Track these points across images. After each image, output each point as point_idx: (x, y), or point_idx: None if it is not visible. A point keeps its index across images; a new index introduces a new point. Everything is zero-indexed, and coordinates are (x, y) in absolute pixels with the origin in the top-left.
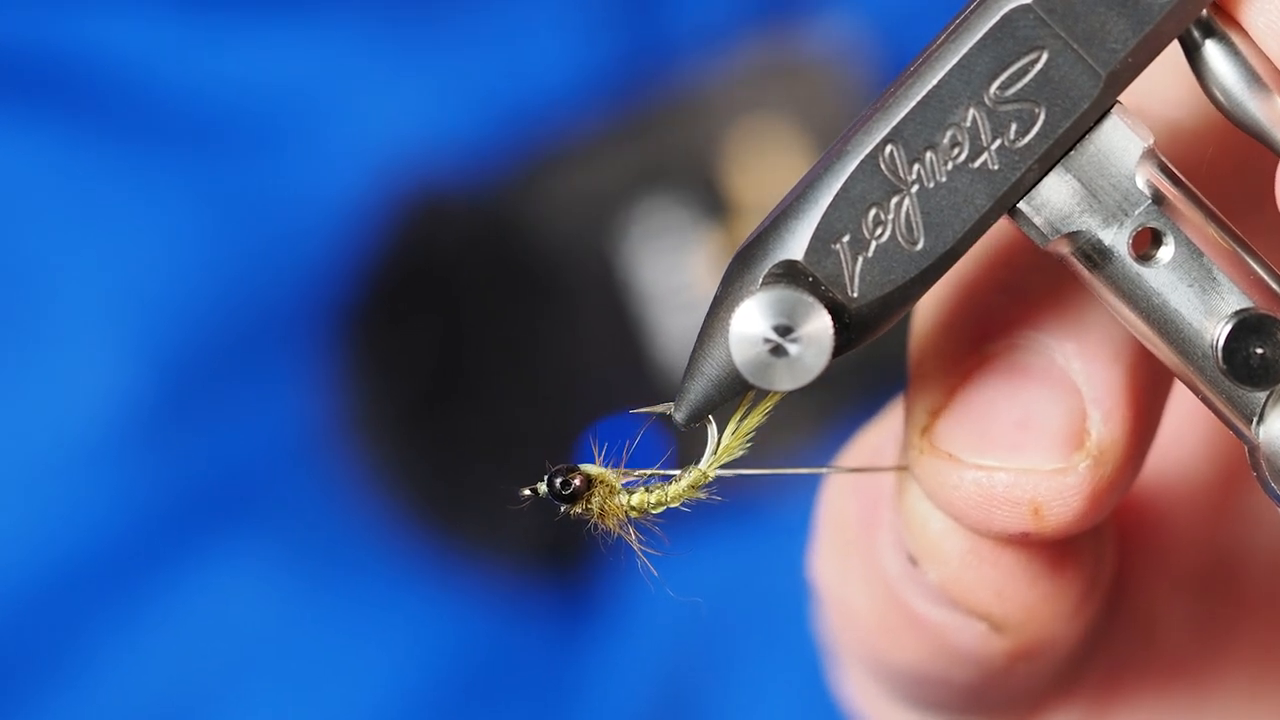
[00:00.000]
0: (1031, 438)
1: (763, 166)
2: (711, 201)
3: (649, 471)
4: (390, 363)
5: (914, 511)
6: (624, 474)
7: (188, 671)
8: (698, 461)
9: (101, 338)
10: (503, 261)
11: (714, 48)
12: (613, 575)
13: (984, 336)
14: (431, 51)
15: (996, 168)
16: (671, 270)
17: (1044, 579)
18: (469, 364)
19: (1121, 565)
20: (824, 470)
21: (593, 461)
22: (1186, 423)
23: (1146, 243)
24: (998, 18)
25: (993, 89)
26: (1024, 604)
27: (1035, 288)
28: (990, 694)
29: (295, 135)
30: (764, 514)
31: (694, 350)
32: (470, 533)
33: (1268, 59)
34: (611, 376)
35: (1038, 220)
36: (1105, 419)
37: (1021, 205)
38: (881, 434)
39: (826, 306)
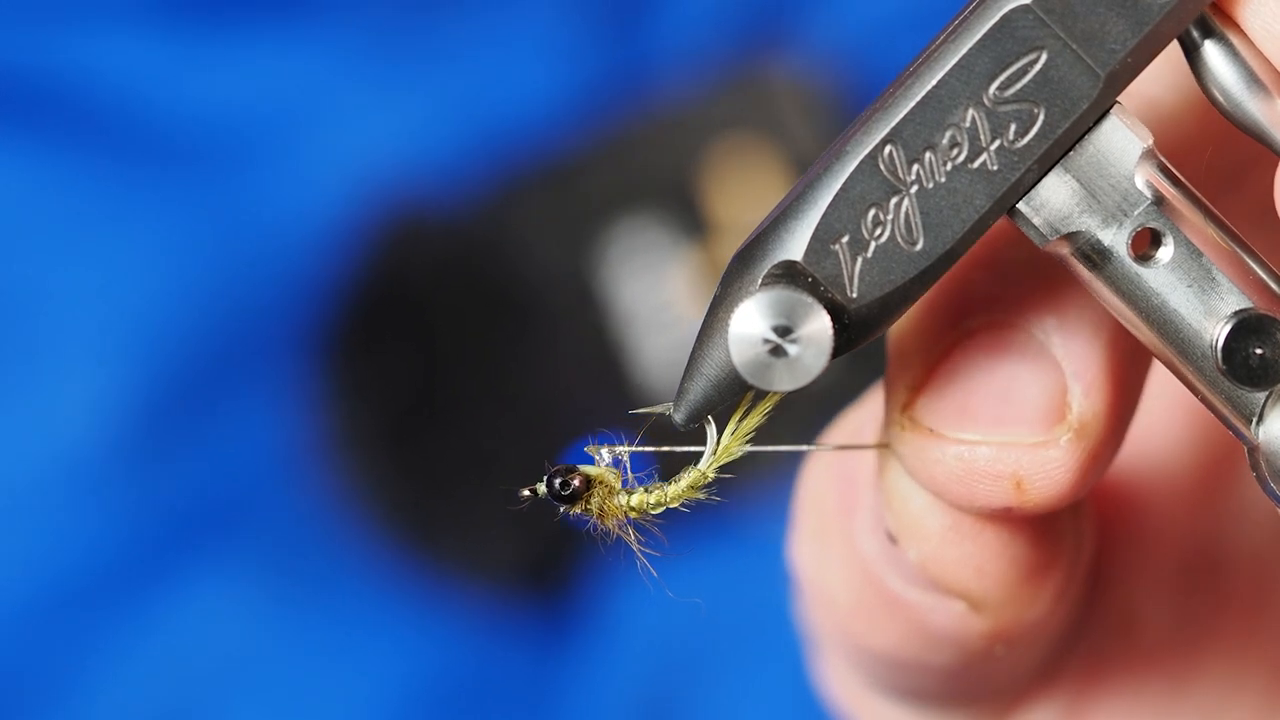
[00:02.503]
0: (1013, 412)
1: (741, 186)
2: (690, 221)
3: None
4: (369, 383)
5: (895, 489)
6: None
7: (172, 692)
8: (697, 462)
9: (85, 359)
10: (480, 281)
11: (691, 68)
12: (592, 592)
13: (963, 313)
14: (411, 72)
15: (996, 168)
16: (650, 290)
17: (1024, 558)
18: (447, 384)
19: (1102, 556)
20: (806, 449)
21: (591, 463)
22: (1168, 415)
23: (1146, 243)
24: (997, 18)
25: (992, 89)
26: (1004, 582)
27: (1014, 265)
28: (969, 680)
29: (275, 154)
30: (745, 526)
31: (693, 350)
32: (450, 553)
33: (1266, 59)
34: (590, 396)
35: (1037, 220)
36: (1086, 393)
37: (1021, 205)
38: (862, 415)
39: (826, 307)
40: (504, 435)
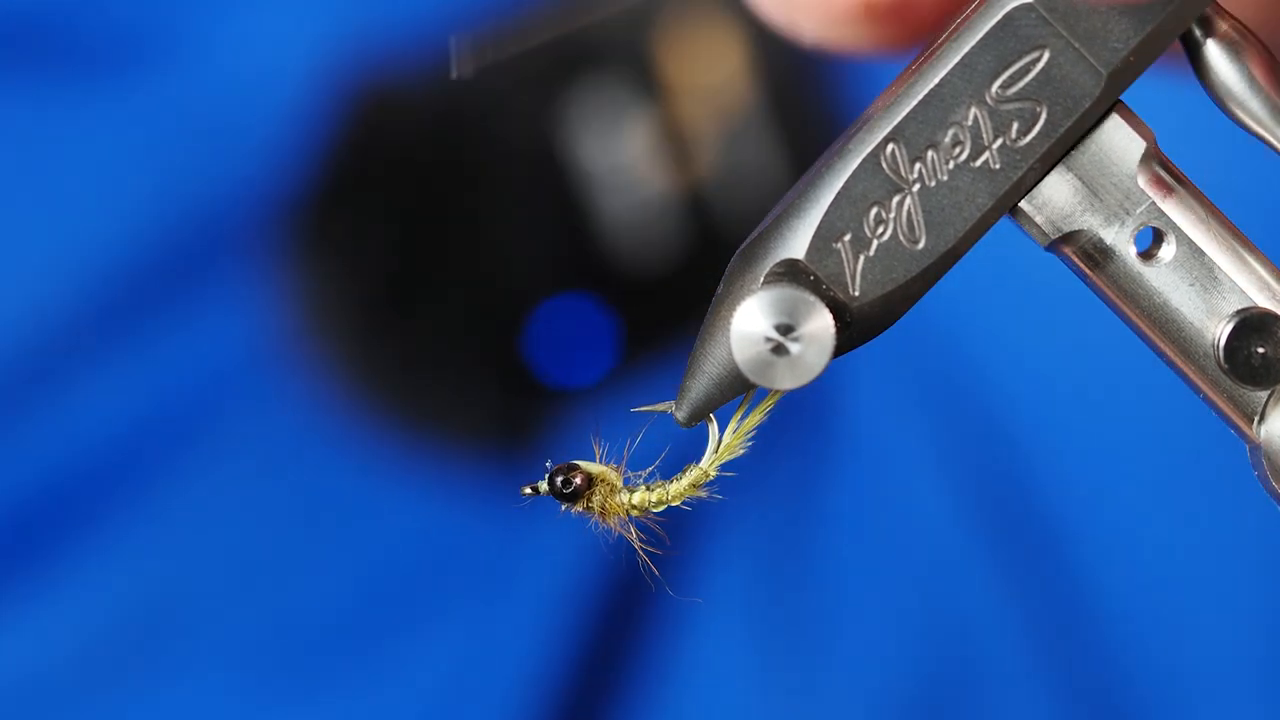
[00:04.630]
0: None
1: (697, 47)
2: (647, 82)
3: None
4: (341, 257)
5: None
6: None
7: (162, 579)
8: (699, 460)
9: (46, 255)
10: (445, 149)
11: None
12: (568, 456)
13: None
14: None
15: (998, 167)
16: (610, 151)
17: None
18: (416, 253)
19: None
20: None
21: (593, 459)
22: None
23: (1148, 242)
24: (999, 16)
25: (994, 88)
26: None
27: None
28: None
29: (234, 34)
30: None
31: (695, 349)
32: (428, 420)
33: (1268, 58)
34: (555, 260)
35: (1039, 219)
36: None
37: (1023, 204)
38: None
39: (828, 305)
40: (475, 299)
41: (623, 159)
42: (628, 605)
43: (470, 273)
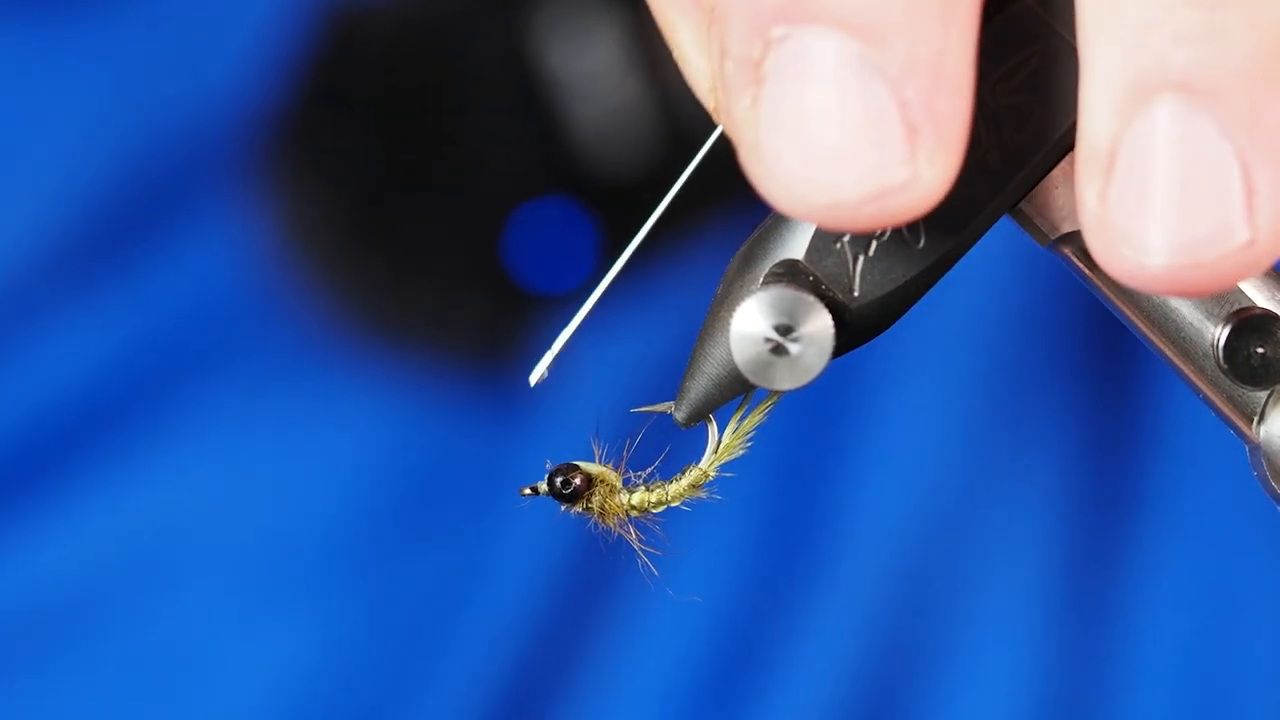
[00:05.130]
0: None
1: None
2: None
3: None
4: (318, 175)
5: None
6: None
7: (152, 506)
8: (698, 460)
9: (25, 188)
10: (418, 61)
11: None
12: (553, 369)
13: None
14: None
15: (997, 166)
16: (582, 57)
17: None
18: (394, 166)
19: None
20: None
21: (593, 459)
22: None
23: None
24: (997, 15)
25: (992, 87)
26: None
27: None
28: None
29: None
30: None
31: (695, 349)
32: (413, 332)
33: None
34: (533, 167)
35: (1039, 219)
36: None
37: (1023, 204)
38: None
39: (827, 306)
40: (453, 211)
41: (596, 64)
42: None
43: (447, 184)
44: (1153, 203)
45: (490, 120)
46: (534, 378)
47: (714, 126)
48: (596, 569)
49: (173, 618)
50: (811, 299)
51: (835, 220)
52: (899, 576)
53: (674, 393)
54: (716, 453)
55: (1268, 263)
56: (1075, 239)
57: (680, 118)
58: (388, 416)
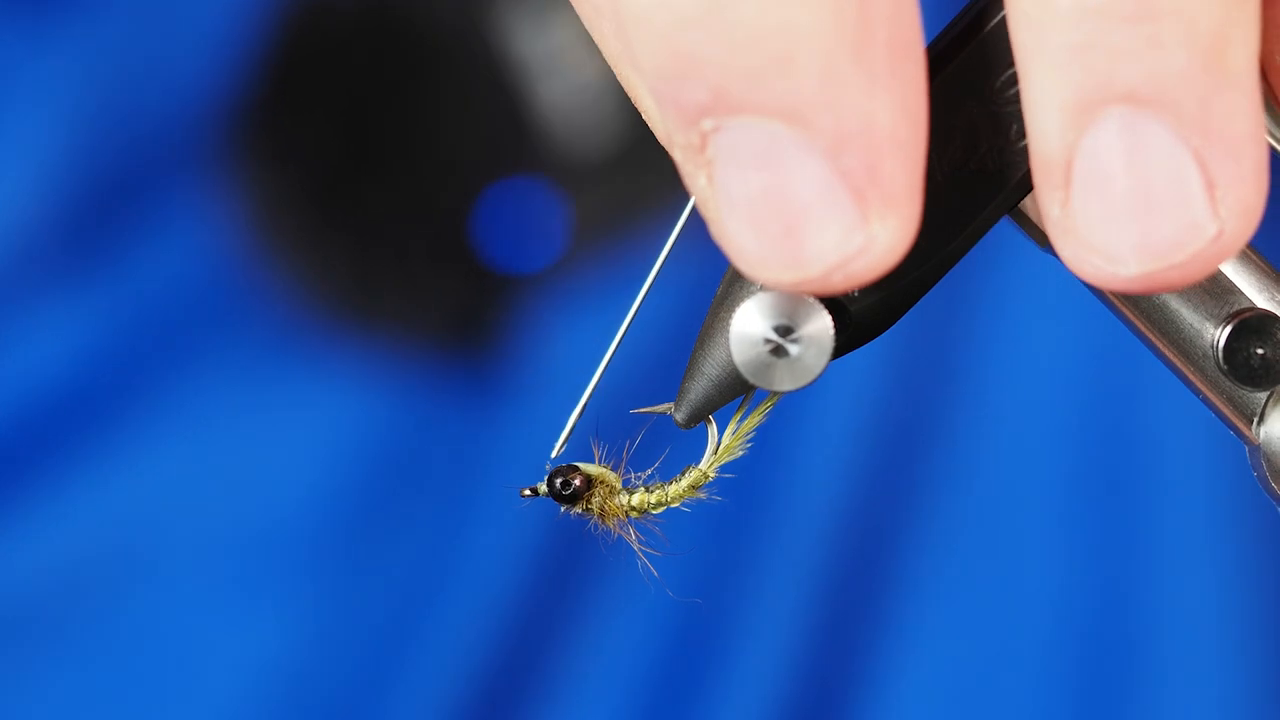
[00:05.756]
0: None
1: None
2: None
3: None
4: (285, 162)
5: None
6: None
7: (130, 497)
8: (698, 461)
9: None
10: (381, 44)
11: None
12: (525, 351)
13: None
14: None
15: (997, 168)
16: (544, 36)
17: None
18: (360, 152)
19: None
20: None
21: (592, 460)
22: None
23: None
24: (998, 17)
25: (993, 89)
26: None
27: None
28: None
29: None
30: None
31: (695, 350)
32: (384, 317)
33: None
34: (499, 148)
35: (1038, 220)
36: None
37: (1023, 204)
38: None
39: (827, 307)
40: (420, 195)
41: (558, 43)
42: None
43: (414, 168)
44: (1117, 212)
45: (454, 102)
46: (555, 451)
47: None
48: (571, 556)
49: (149, 608)
50: (811, 300)
51: (807, 290)
52: (843, 565)
53: (651, 370)
54: (716, 454)
55: (1239, 247)
56: None
57: None
58: (362, 403)
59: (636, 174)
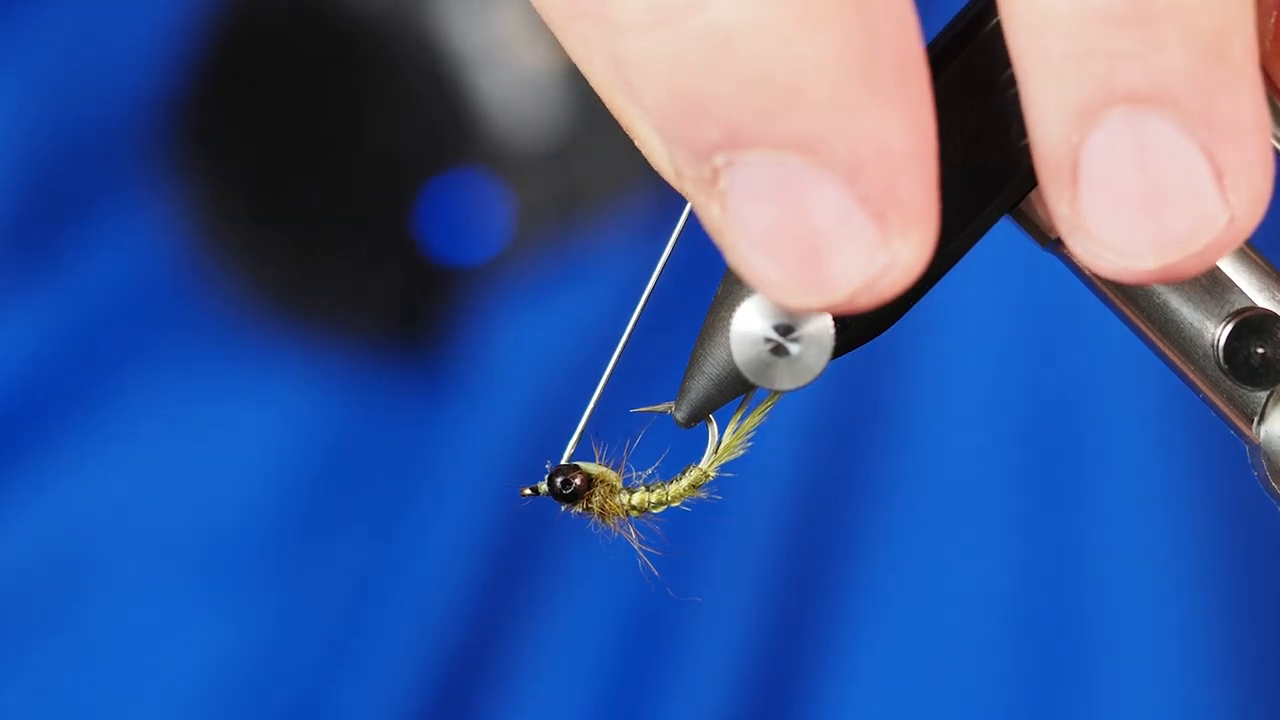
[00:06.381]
0: None
1: None
2: None
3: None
4: (224, 159)
5: None
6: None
7: (80, 498)
8: (698, 461)
9: None
10: (317, 37)
11: None
12: (470, 345)
13: None
14: None
15: (998, 166)
16: (482, 27)
17: None
18: (300, 143)
19: None
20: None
21: (592, 459)
22: None
23: None
24: (997, 18)
25: (994, 87)
26: None
27: None
28: None
29: None
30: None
31: (695, 349)
32: (327, 313)
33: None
34: (439, 142)
35: (1039, 219)
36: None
37: (1023, 204)
38: None
39: None
40: (362, 189)
41: (497, 34)
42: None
43: (354, 162)
44: (1129, 209)
45: (393, 95)
46: (566, 455)
47: None
48: (521, 550)
49: (100, 606)
50: None
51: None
52: (794, 563)
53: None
54: (716, 453)
55: (1250, 232)
56: None
57: (585, 85)
58: (308, 399)
59: (579, 164)
